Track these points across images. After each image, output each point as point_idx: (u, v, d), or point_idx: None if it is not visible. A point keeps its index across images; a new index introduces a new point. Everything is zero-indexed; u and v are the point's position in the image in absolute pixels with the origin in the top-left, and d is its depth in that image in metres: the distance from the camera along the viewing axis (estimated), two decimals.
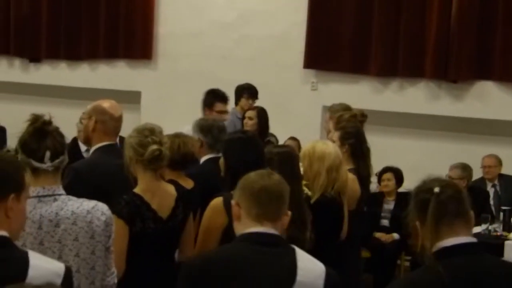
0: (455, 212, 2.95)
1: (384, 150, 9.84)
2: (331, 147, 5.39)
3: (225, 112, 7.49)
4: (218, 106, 7.49)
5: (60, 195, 3.57)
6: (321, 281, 3.13)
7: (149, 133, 4.38)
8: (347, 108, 6.99)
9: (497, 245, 7.90)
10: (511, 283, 2.86)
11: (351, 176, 5.64)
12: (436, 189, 2.95)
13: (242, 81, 9.05)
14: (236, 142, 4.72)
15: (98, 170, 4.75)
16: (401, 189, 9.58)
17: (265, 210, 3.16)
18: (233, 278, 3.02)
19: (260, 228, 3.15)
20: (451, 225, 2.93)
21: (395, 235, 9.24)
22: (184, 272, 3.12)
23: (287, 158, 4.84)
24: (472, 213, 3.01)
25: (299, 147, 8.47)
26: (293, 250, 3.17)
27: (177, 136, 5.19)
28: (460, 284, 2.82)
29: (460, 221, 2.95)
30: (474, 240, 2.95)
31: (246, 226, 3.17)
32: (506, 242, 7.92)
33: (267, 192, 3.18)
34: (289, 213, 3.26)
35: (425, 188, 3.03)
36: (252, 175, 3.27)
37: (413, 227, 3.02)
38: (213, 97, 7.56)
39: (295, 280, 3.06)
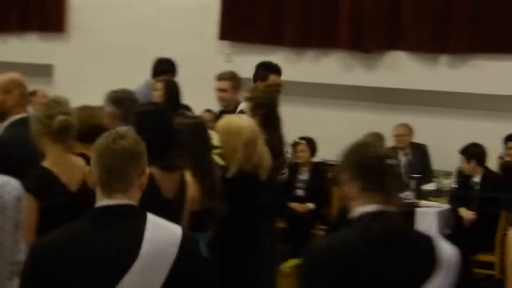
0: (388, 184, 2.95)
1: (299, 120, 9.94)
2: (246, 121, 5.41)
3: (279, 85, 7.33)
4: (272, 78, 7.40)
5: None
6: (173, 248, 2.85)
7: (55, 104, 4.34)
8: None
9: (409, 212, 8.07)
10: (422, 249, 2.93)
11: None
12: (389, 161, 2.97)
13: (158, 53, 8.99)
14: (144, 114, 4.70)
15: (22, 142, 4.66)
16: (315, 159, 9.69)
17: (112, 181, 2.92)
18: (69, 259, 2.80)
19: (108, 201, 2.91)
20: (377, 193, 2.94)
21: (310, 205, 9.34)
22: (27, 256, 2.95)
23: (197, 128, 4.85)
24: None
25: (215, 119, 8.48)
26: (144, 218, 2.90)
27: (85, 108, 5.14)
28: (372, 245, 2.86)
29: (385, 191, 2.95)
30: (391, 208, 2.95)
31: (99, 199, 2.95)
32: (418, 209, 8.11)
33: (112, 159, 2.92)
34: (147, 171, 3.04)
35: (376, 155, 3.00)
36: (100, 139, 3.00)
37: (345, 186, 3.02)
38: (267, 70, 7.42)
39: (138, 252, 2.80)
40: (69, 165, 4.36)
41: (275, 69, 7.42)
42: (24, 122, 4.84)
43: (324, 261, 2.84)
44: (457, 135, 9.46)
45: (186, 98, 7.93)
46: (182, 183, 4.59)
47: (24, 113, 5.01)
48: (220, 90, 7.56)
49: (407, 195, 8.37)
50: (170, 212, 4.39)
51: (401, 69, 10.32)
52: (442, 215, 8.08)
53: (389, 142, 9.75)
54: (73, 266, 2.78)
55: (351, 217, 2.97)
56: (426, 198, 8.50)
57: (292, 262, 8.18)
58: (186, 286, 2.89)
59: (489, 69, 9.88)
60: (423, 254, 2.92)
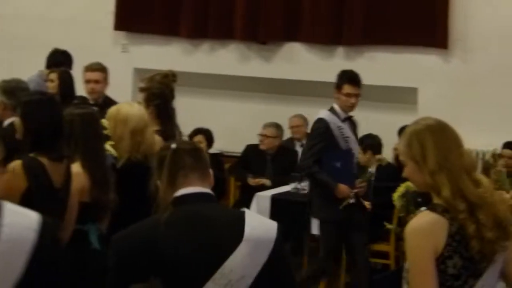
0: (190, 166, 3.01)
1: (196, 111, 9.90)
2: (136, 109, 5.34)
3: (354, 95, 7.10)
4: (346, 88, 7.10)
5: None
6: (30, 233, 2.62)
7: None
8: None
9: (305, 202, 8.10)
10: (228, 229, 2.94)
11: (157, 138, 5.61)
12: (173, 145, 3.03)
13: (53, 43, 8.78)
14: (32, 104, 4.58)
15: None
16: (212, 150, 9.64)
17: None
18: None
19: None
20: (185, 177, 2.99)
21: None
22: None
23: (88, 119, 4.76)
24: (211, 171, 3.13)
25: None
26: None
27: None
28: (174, 224, 2.89)
29: (194, 174, 3.02)
30: (205, 190, 3.02)
31: None
32: (257, 193, 8.21)
33: None
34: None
35: (164, 147, 3.14)
36: None
37: (155, 186, 3.06)
38: (341, 79, 7.16)
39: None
40: None
41: (350, 79, 7.17)
42: None
43: (124, 245, 2.93)
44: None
45: (82, 89, 7.79)
46: (68, 174, 4.51)
47: None
48: (93, 81, 7.37)
49: (304, 186, 8.39)
50: (58, 201, 4.28)
51: (298, 61, 10.37)
52: None
53: (286, 133, 9.80)
54: None
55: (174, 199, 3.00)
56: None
57: None
58: (45, 273, 2.64)
59: (384, 61, 10.02)
60: (228, 229, 2.94)
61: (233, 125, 10.21)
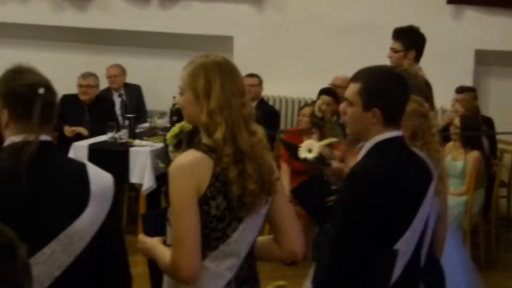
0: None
1: (10, 63, 9.62)
2: None
3: None
4: None
5: None
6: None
7: None
8: None
9: (123, 151, 8.12)
10: (72, 181, 2.81)
11: None
12: (41, 90, 2.81)
13: None
14: None
15: None
16: None
17: None
18: None
19: None
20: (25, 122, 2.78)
21: None
22: None
23: None
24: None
25: None
26: None
27: None
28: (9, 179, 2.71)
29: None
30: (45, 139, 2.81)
31: None
32: (131, 149, 8.17)
33: None
34: None
35: (26, 84, 2.81)
36: None
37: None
38: None
39: None
40: None
41: None
42: None
43: None
44: (169, 75, 9.58)
45: None
46: None
47: None
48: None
49: (121, 135, 8.40)
50: None
51: (113, 10, 10.28)
52: (156, 153, 8.18)
53: (103, 83, 9.73)
54: None
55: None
56: (141, 138, 8.57)
57: None
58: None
59: (199, 10, 10.10)
60: (74, 186, 2.79)
61: (49, 76, 10.02)
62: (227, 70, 3.05)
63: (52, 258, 2.72)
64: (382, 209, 3.23)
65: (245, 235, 3.05)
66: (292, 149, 5.16)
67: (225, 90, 2.99)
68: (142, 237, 3.25)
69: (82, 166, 2.87)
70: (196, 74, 3.03)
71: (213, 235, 3.00)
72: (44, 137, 2.80)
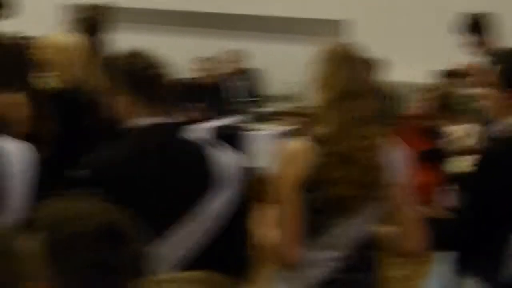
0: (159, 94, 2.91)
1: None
2: (74, 38, 5.26)
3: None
4: None
5: None
6: None
7: None
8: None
9: (243, 136, 8.16)
10: (199, 162, 2.86)
11: None
12: (157, 70, 2.91)
13: None
14: None
15: None
16: None
17: None
18: None
19: None
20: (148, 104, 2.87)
21: None
22: None
23: (20, 49, 4.70)
24: None
25: None
26: None
27: None
28: (145, 158, 2.81)
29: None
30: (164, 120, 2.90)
31: None
32: (251, 133, 8.21)
33: None
34: None
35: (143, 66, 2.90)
36: None
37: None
38: None
39: None
40: None
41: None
42: None
43: (97, 175, 2.78)
44: (289, 60, 9.58)
45: None
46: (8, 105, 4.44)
47: None
48: None
49: (242, 119, 8.46)
50: None
51: None
52: (275, 138, 8.18)
53: (224, 68, 9.80)
54: None
55: (126, 130, 2.88)
56: (261, 122, 8.60)
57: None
58: None
59: None
60: (202, 167, 2.84)
61: (171, 61, 10.15)
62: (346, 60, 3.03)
63: (180, 238, 2.78)
64: None
65: (348, 230, 3.04)
66: None
67: (341, 85, 2.97)
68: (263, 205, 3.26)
69: (207, 148, 2.92)
70: (319, 62, 3.04)
71: (315, 226, 3.01)
72: (169, 119, 2.86)
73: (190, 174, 2.82)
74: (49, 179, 2.95)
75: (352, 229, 3.04)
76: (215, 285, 1.45)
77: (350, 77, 3.00)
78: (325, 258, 3.05)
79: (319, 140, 2.96)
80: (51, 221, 1.74)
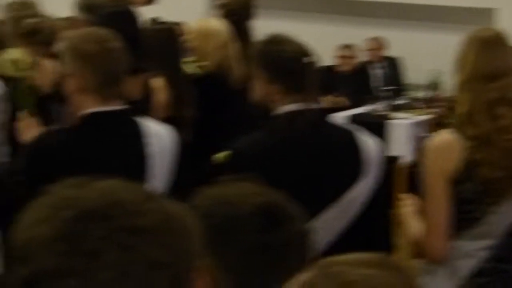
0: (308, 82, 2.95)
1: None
2: (219, 24, 5.32)
3: None
4: None
5: None
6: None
7: (23, 7, 4.29)
8: None
9: (382, 124, 8.07)
10: (347, 149, 2.90)
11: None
12: (306, 59, 2.92)
13: None
14: (109, 16, 4.56)
15: None
16: None
17: None
18: None
19: None
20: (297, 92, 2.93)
21: None
22: None
23: (167, 34, 4.78)
24: None
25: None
26: None
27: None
28: (294, 144, 2.85)
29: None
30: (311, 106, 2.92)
31: None
32: (390, 121, 8.12)
33: None
34: None
35: (292, 55, 2.94)
36: None
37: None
38: None
39: None
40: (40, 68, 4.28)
41: None
42: None
43: (245, 160, 2.84)
44: (428, 48, 9.46)
45: None
46: (147, 87, 4.53)
47: None
48: None
49: (380, 108, 8.39)
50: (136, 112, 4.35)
51: None
52: (414, 127, 8.09)
53: (363, 55, 9.75)
54: None
55: (271, 116, 2.92)
56: (400, 110, 8.50)
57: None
58: None
59: None
60: (348, 152, 2.88)
61: (310, 47, 10.19)
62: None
63: (328, 224, 2.78)
64: None
65: (503, 218, 2.97)
66: None
67: (476, 67, 2.92)
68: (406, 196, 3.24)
69: (353, 134, 2.96)
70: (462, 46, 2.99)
71: (464, 217, 2.96)
72: (315, 105, 2.89)
73: (341, 160, 2.86)
74: (189, 163, 3.05)
75: (503, 216, 2.97)
76: (399, 269, 1.31)
77: (491, 60, 2.94)
78: (476, 248, 2.99)
79: (459, 127, 2.92)
80: (207, 207, 1.74)
